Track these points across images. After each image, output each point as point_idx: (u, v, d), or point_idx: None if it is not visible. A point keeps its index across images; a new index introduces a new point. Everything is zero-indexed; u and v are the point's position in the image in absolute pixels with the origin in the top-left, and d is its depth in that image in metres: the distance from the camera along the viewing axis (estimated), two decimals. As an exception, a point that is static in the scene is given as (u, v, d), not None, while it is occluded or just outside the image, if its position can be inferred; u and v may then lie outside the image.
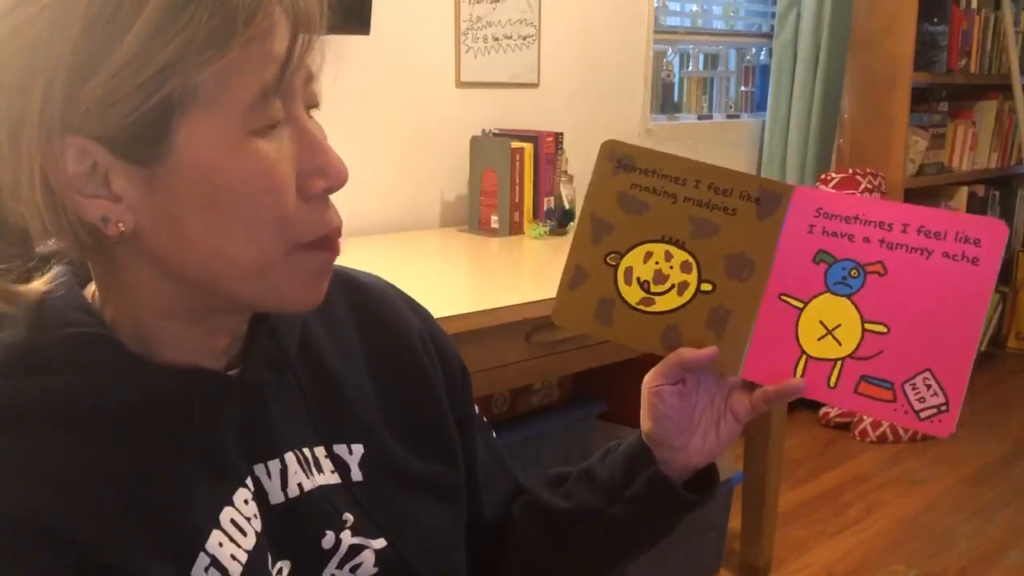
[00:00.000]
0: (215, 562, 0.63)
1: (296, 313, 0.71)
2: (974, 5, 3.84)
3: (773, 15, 3.52)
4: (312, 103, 0.66)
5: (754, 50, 3.71)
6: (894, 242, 0.78)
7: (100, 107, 0.57)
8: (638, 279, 0.82)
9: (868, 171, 3.47)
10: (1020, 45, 4.05)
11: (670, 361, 0.81)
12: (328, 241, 0.66)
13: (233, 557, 0.65)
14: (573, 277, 0.83)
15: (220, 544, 0.64)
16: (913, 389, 0.76)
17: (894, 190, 3.57)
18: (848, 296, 0.78)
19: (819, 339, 0.79)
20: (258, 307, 0.68)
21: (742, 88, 3.69)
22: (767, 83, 3.53)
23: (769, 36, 3.56)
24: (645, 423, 0.83)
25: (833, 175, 3.45)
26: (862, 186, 3.42)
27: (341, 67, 2.42)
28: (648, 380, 0.82)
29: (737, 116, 3.64)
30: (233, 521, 0.66)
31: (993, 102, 4.07)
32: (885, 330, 0.77)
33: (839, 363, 0.78)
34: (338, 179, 0.64)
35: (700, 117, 3.50)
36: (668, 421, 0.82)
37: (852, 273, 0.78)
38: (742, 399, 0.82)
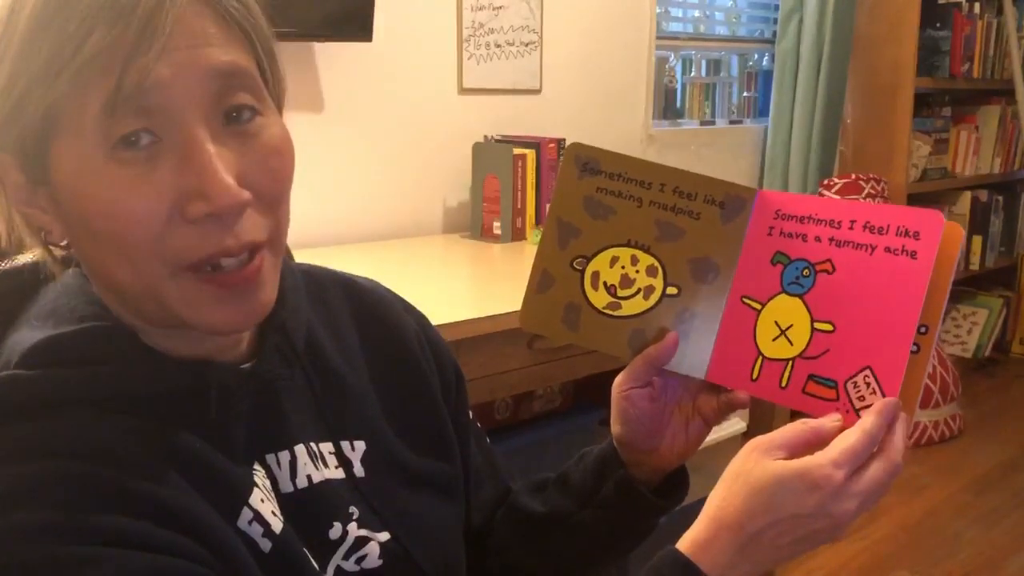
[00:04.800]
0: (257, 516, 0.66)
1: (216, 334, 0.67)
2: (976, 10, 3.84)
3: (775, 21, 3.52)
4: (233, 104, 0.62)
5: (756, 56, 3.71)
6: (842, 239, 0.77)
7: (2, 128, 0.61)
8: (604, 283, 0.83)
9: (871, 176, 3.47)
10: (1023, 50, 4.05)
11: (637, 363, 0.82)
12: (223, 267, 0.62)
13: (273, 513, 0.68)
14: (540, 282, 0.84)
15: (262, 500, 0.67)
16: (854, 387, 0.75)
17: (897, 195, 3.57)
18: (800, 296, 0.78)
19: (773, 340, 0.79)
20: (179, 325, 0.65)
21: (744, 94, 3.69)
22: (769, 89, 3.53)
23: (771, 42, 3.56)
24: (615, 427, 0.85)
25: (836, 180, 3.45)
26: (865, 191, 3.42)
27: (343, 75, 2.43)
28: (617, 384, 0.84)
29: (740, 122, 3.64)
30: (265, 486, 0.69)
31: (996, 107, 4.07)
32: (831, 328, 0.76)
33: (790, 363, 0.78)
34: (218, 202, 0.59)
35: (702, 123, 3.50)
36: (638, 424, 0.83)
37: (804, 273, 0.78)
38: (709, 401, 0.83)
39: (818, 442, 0.69)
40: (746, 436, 2.38)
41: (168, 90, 0.59)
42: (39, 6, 0.59)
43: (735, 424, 2.26)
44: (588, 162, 0.83)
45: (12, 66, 0.60)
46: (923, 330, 0.75)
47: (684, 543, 0.68)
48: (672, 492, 0.87)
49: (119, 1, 0.58)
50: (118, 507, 0.59)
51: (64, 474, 0.59)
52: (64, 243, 0.67)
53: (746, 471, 0.68)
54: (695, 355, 0.82)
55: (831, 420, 0.72)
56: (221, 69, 0.61)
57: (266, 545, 0.66)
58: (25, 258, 0.72)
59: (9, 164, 0.63)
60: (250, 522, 0.66)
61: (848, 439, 0.67)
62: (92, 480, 0.59)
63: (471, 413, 0.92)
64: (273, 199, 0.64)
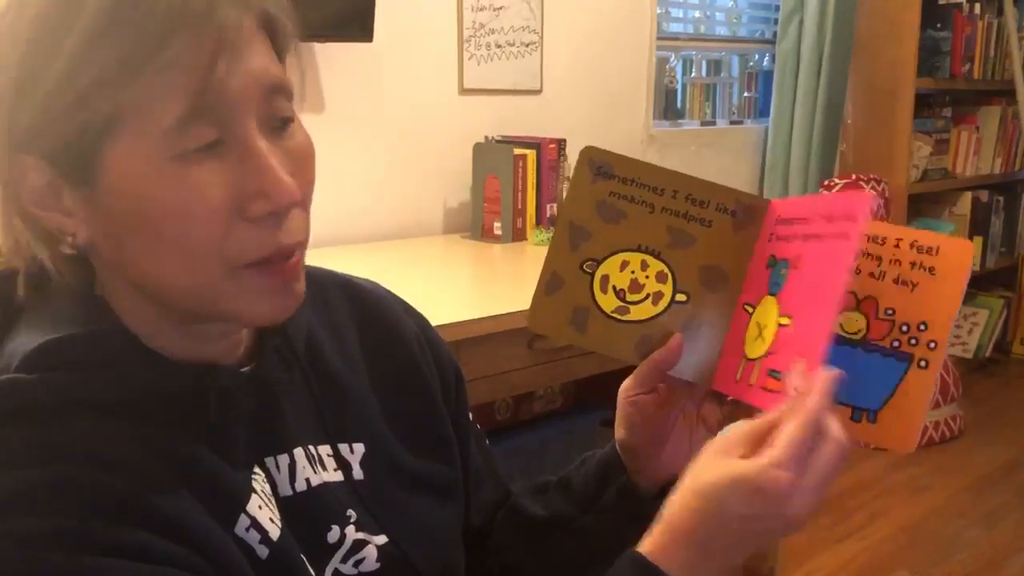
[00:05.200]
0: (255, 523, 0.66)
1: (262, 325, 0.71)
2: (977, 11, 3.84)
3: (776, 21, 3.52)
4: (278, 116, 0.64)
5: (757, 56, 3.71)
6: (810, 234, 0.76)
7: (37, 128, 0.60)
8: (614, 287, 0.83)
9: (872, 177, 3.47)
10: (1023, 50, 4.05)
11: (643, 368, 0.82)
12: (275, 261, 0.64)
13: (271, 520, 0.68)
14: (549, 283, 0.83)
15: (260, 507, 0.67)
16: (793, 376, 0.72)
17: (898, 196, 3.57)
18: (776, 294, 0.78)
19: (754, 340, 0.79)
20: (219, 319, 0.68)
21: (745, 94, 3.69)
22: (770, 89, 3.53)
23: (772, 42, 3.56)
24: (620, 432, 0.85)
25: (836, 181, 3.45)
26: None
27: (344, 75, 2.43)
28: (624, 389, 0.84)
29: (740, 122, 3.64)
30: (263, 491, 0.69)
31: (997, 107, 4.07)
32: (788, 322, 0.76)
33: (759, 361, 0.78)
34: (280, 200, 0.62)
35: (703, 123, 3.50)
36: (643, 430, 0.83)
37: (782, 272, 0.78)
38: (714, 410, 0.83)
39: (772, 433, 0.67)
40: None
41: (238, 98, 0.61)
42: (108, 2, 0.58)
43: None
44: (602, 166, 0.83)
45: (72, 64, 0.58)
46: (932, 345, 0.75)
47: (643, 547, 0.67)
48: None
49: (193, 5, 0.58)
50: (118, 517, 0.59)
51: (64, 481, 0.59)
52: (82, 246, 0.65)
53: (699, 474, 0.66)
54: (701, 362, 0.82)
55: (779, 410, 0.69)
56: (275, 83, 0.63)
57: (263, 552, 0.66)
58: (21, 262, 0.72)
59: (32, 166, 0.61)
60: (247, 529, 0.66)
61: (787, 429, 0.64)
62: (92, 489, 0.59)
63: (471, 415, 0.92)
64: (308, 198, 0.67)
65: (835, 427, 0.65)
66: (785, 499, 0.63)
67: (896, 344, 0.77)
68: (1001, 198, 4.19)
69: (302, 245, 0.67)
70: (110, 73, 0.58)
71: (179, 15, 0.58)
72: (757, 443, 0.66)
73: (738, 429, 0.67)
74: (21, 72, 0.59)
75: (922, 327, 0.76)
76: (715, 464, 0.66)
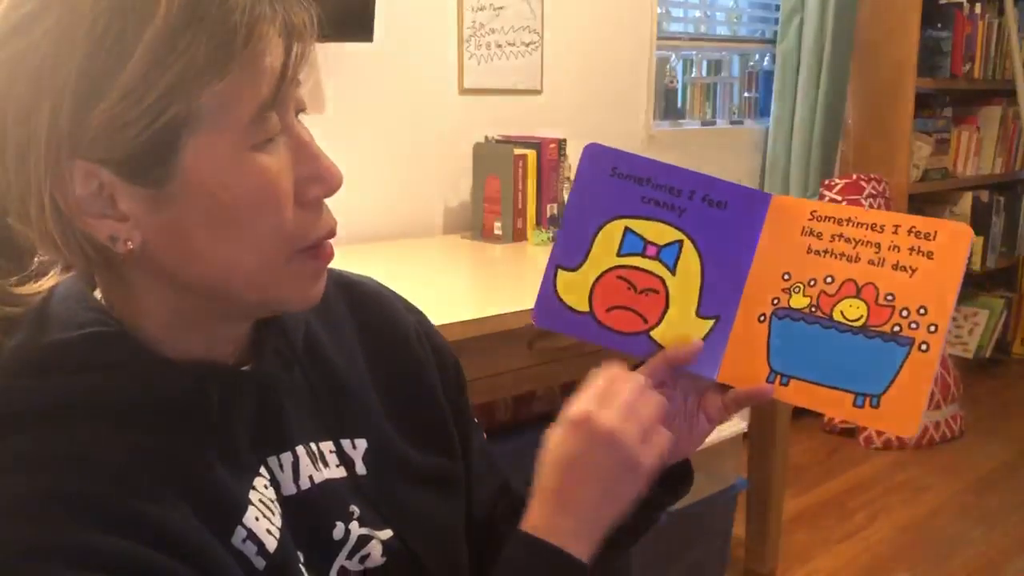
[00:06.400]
0: (251, 535, 0.66)
1: (294, 312, 0.73)
2: (978, 10, 3.84)
3: (776, 21, 3.52)
4: (300, 108, 0.67)
5: (757, 56, 3.71)
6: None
7: (106, 132, 0.58)
8: None
9: (872, 176, 3.47)
10: (1024, 50, 4.05)
11: (657, 361, 0.83)
12: (324, 244, 0.68)
13: (268, 531, 0.67)
14: None
15: (256, 519, 0.67)
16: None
17: (898, 196, 3.57)
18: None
19: None
20: (259, 311, 0.70)
21: (745, 94, 3.68)
22: (770, 89, 3.53)
23: (772, 42, 3.56)
24: None
25: (837, 181, 3.45)
26: (866, 191, 3.42)
27: (344, 75, 2.43)
28: None
29: (740, 122, 3.64)
30: (261, 501, 0.69)
31: (997, 107, 4.06)
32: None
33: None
34: (333, 184, 0.66)
35: (703, 123, 3.50)
36: None
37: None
38: (715, 401, 0.84)
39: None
40: (746, 437, 2.38)
41: (292, 89, 0.64)
42: (181, 1, 0.57)
43: (736, 425, 2.26)
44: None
45: (150, 65, 0.57)
46: (932, 328, 0.76)
47: (523, 525, 0.73)
48: (674, 487, 0.87)
49: None
50: (109, 527, 0.58)
51: (51, 491, 0.58)
52: (135, 250, 0.63)
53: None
54: (708, 357, 0.83)
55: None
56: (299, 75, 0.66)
57: (260, 563, 0.66)
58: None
59: (82, 174, 0.59)
60: (244, 540, 0.66)
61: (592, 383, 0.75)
62: (81, 498, 0.58)
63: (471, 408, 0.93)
64: None
65: (632, 376, 0.76)
66: (593, 425, 0.72)
67: (897, 329, 0.78)
68: (1002, 198, 4.19)
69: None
70: (195, 71, 0.57)
71: (256, 6, 0.59)
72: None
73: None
74: (83, 77, 0.57)
75: (922, 311, 0.77)
76: (553, 426, 0.75)
